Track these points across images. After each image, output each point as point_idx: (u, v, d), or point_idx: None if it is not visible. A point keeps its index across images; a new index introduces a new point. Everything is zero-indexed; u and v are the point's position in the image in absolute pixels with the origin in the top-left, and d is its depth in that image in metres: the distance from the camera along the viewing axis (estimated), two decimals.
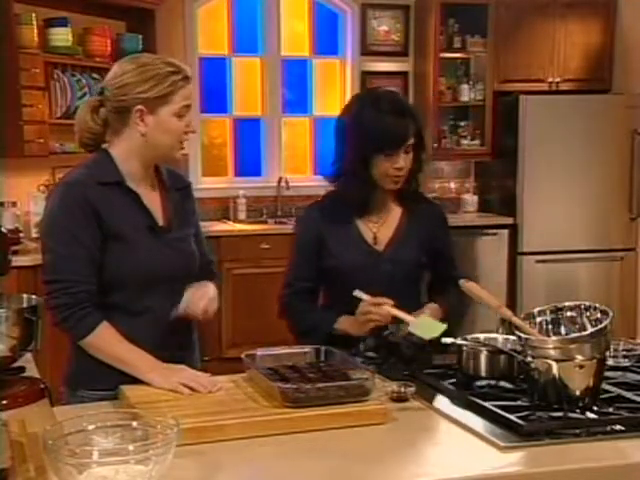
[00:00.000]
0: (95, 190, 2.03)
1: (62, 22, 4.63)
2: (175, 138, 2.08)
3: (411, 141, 2.28)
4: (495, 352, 2.00)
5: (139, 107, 2.03)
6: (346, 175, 2.33)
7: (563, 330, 1.97)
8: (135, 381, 1.95)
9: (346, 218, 2.37)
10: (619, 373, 2.06)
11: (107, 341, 2.01)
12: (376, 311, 2.17)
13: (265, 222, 5.87)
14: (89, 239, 2.01)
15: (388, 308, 2.16)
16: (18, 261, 3.82)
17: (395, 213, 2.41)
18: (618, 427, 1.71)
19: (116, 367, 2.00)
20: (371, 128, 2.25)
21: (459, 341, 2.05)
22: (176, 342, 2.13)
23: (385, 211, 2.40)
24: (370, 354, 2.32)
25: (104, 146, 2.12)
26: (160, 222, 2.13)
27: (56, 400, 1.88)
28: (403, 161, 2.28)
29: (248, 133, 6.13)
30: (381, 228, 2.38)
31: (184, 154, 2.20)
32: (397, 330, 2.31)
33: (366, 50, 6.10)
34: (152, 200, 2.14)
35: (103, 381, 2.01)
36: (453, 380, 2.02)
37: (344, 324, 2.29)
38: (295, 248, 2.44)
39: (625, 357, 2.15)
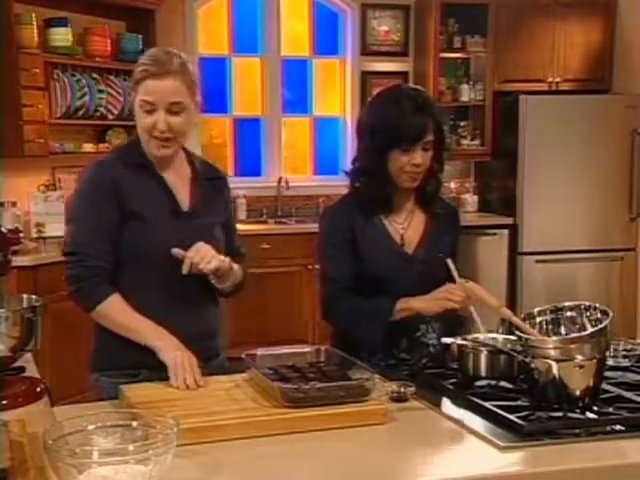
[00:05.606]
0: (120, 170, 2.13)
1: (62, 22, 4.64)
2: (144, 131, 2.11)
3: (429, 137, 2.24)
4: (495, 352, 1.99)
5: (130, 87, 2.15)
6: (366, 173, 2.32)
7: (563, 330, 1.96)
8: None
9: (373, 217, 2.33)
10: (619, 373, 2.06)
11: (117, 311, 2.07)
12: (458, 294, 2.14)
13: (265, 222, 5.87)
14: (108, 215, 2.08)
15: (476, 287, 2.13)
16: (18, 261, 3.84)
17: (419, 215, 2.38)
18: (618, 427, 1.71)
19: (124, 335, 2.05)
20: (389, 123, 2.23)
21: (459, 341, 2.06)
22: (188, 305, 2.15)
23: (409, 212, 2.37)
24: (403, 356, 2.30)
25: None
26: (185, 207, 2.18)
27: (56, 400, 1.87)
28: (421, 158, 2.24)
29: (248, 133, 6.13)
30: (408, 230, 2.35)
31: None
32: (427, 331, 2.33)
33: (366, 50, 6.11)
34: (178, 185, 2.19)
35: (127, 361, 2.06)
36: (453, 380, 2.02)
37: (411, 301, 2.22)
38: (327, 245, 2.35)
39: (625, 357, 2.15)
